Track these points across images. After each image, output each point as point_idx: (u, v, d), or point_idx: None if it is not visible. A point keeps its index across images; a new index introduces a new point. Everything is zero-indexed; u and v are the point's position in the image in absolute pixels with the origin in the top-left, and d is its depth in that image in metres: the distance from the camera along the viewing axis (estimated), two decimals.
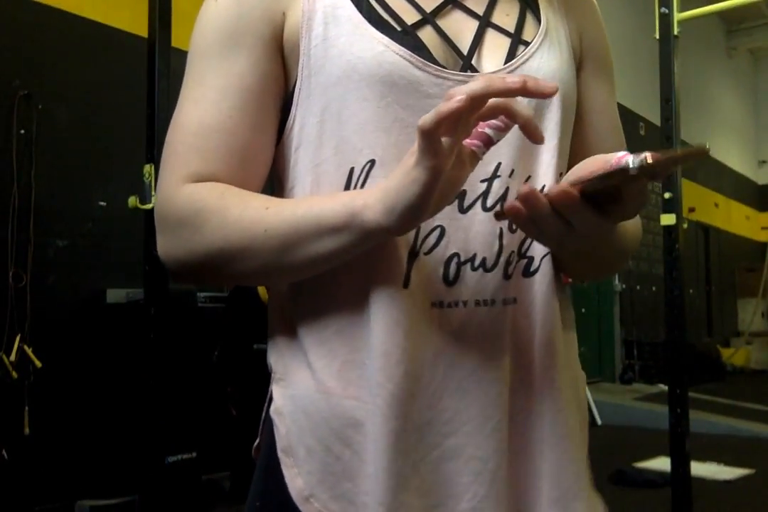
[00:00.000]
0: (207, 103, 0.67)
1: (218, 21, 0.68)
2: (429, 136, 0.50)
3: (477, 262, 0.65)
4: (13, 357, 2.79)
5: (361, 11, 0.65)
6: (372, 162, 0.64)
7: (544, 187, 0.68)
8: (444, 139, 0.51)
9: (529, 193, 0.52)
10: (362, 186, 0.64)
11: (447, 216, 0.63)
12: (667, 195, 2.31)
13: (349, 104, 0.64)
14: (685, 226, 2.39)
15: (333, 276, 0.64)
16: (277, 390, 0.68)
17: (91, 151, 3.18)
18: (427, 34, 0.66)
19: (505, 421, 0.65)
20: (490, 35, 0.69)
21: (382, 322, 0.62)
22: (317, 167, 0.66)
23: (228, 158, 0.66)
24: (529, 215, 0.54)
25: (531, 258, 0.67)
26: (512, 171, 0.66)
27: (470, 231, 0.64)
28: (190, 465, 2.94)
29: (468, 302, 0.64)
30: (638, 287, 7.97)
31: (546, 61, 0.69)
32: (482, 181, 0.65)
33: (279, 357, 0.69)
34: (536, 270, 0.67)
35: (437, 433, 0.64)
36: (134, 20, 3.22)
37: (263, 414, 0.70)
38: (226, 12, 0.68)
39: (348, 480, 0.63)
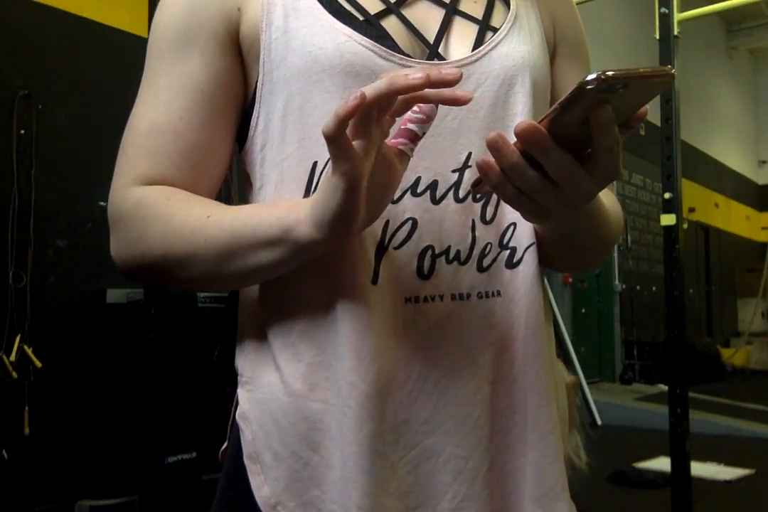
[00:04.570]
0: (158, 103, 0.66)
1: (171, 19, 0.67)
2: (334, 141, 0.49)
3: (452, 255, 0.63)
4: (13, 357, 2.79)
5: (321, 2, 0.64)
6: None
7: None
8: (356, 142, 0.50)
9: (495, 136, 0.49)
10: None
11: (419, 208, 0.62)
12: (667, 195, 2.31)
13: (311, 97, 0.63)
14: (685, 226, 2.39)
15: (298, 275, 0.62)
16: (243, 394, 0.67)
17: (91, 151, 3.18)
18: (391, 24, 0.65)
19: (486, 418, 0.63)
20: (458, 23, 0.68)
21: (350, 321, 0.60)
22: (281, 163, 0.65)
23: (177, 159, 0.65)
24: (500, 166, 0.50)
25: (513, 249, 0.65)
26: None
27: (443, 223, 0.63)
28: (190, 465, 2.94)
29: (444, 296, 0.62)
30: (638, 287, 7.97)
31: (515, 46, 0.67)
32: (453, 172, 0.64)
33: (246, 360, 0.67)
34: (519, 262, 0.65)
35: (415, 433, 0.62)
36: (134, 20, 3.22)
37: (230, 419, 0.69)
38: (180, 10, 0.66)
39: (316, 486, 0.61)
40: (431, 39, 0.66)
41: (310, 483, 0.61)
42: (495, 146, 0.49)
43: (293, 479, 0.62)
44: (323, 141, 0.60)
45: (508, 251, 0.65)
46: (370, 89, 0.48)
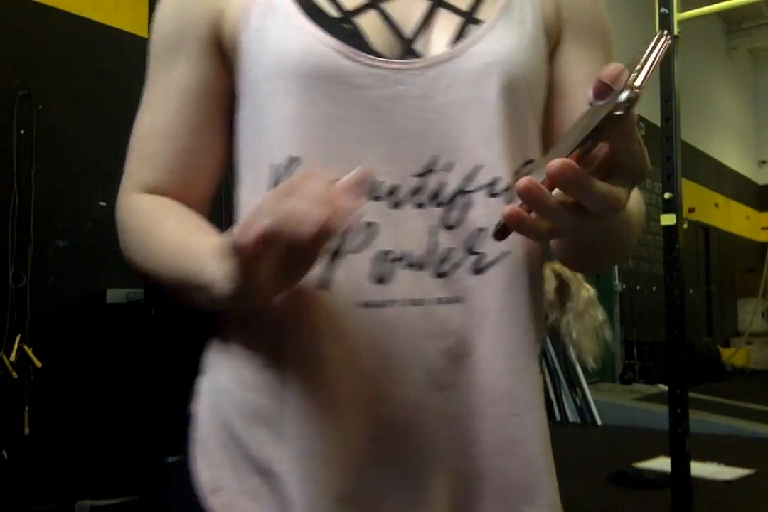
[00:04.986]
0: (153, 108, 0.68)
1: (162, 24, 0.69)
2: (239, 254, 0.48)
3: (410, 260, 0.61)
4: (13, 357, 2.78)
5: (298, 0, 0.63)
6: (294, 159, 0.61)
7: (497, 179, 0.63)
8: (263, 259, 0.49)
9: (529, 184, 0.44)
10: (281, 181, 0.62)
11: (379, 212, 0.61)
12: (667, 195, 2.31)
13: (276, 100, 0.62)
14: (685, 226, 2.39)
15: None
16: (200, 382, 0.69)
17: (91, 151, 3.18)
18: (369, 19, 0.63)
19: (435, 425, 0.61)
20: (442, 16, 0.64)
21: (299, 325, 0.60)
22: (249, 167, 0.66)
23: (169, 163, 0.67)
24: (538, 214, 0.47)
25: (481, 255, 0.63)
26: (449, 164, 0.62)
27: (403, 228, 0.61)
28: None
29: (400, 302, 0.61)
30: (638, 287, 7.97)
31: (500, 41, 0.63)
32: (416, 176, 0.62)
33: (210, 351, 0.69)
34: (487, 268, 0.63)
35: (359, 438, 0.60)
36: (134, 20, 3.22)
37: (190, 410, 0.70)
38: (172, 13, 0.68)
39: (259, 475, 0.62)
40: (412, 35, 0.64)
41: (254, 471, 0.62)
42: (532, 196, 0.45)
43: (236, 466, 0.63)
44: (283, 144, 0.62)
45: (474, 257, 0.62)
46: (253, 231, 0.46)
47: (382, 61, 0.61)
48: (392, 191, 0.61)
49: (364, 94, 0.61)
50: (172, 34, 0.67)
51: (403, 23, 0.64)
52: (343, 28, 0.62)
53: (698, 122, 9.70)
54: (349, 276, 0.60)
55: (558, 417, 5.52)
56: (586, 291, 2.63)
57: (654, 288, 8.07)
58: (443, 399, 0.62)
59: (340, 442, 0.59)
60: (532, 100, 0.66)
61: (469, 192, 0.62)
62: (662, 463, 3.29)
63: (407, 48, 0.63)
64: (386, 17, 0.63)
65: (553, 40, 0.69)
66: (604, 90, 0.45)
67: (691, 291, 9.14)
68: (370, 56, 0.61)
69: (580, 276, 2.64)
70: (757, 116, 12.98)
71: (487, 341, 0.63)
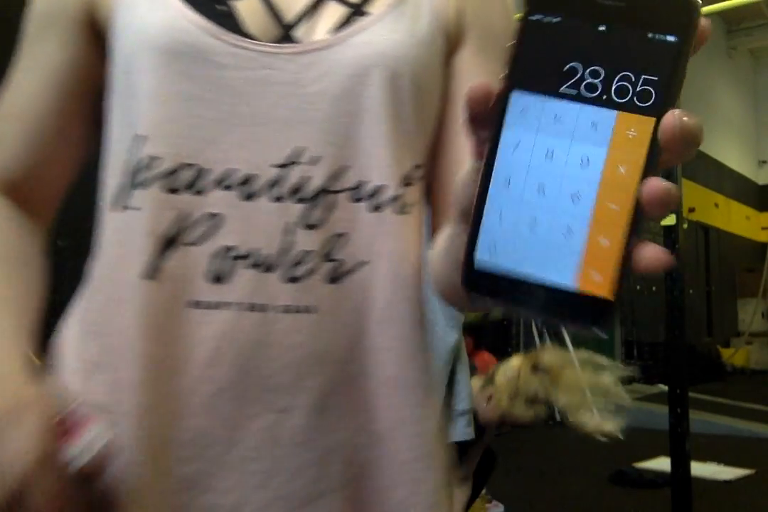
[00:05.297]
0: (14, 88, 0.64)
1: (37, 2, 0.65)
2: None
3: (256, 259, 0.55)
4: None
5: None
6: (142, 138, 0.57)
7: (365, 182, 0.58)
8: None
9: None
10: (134, 165, 0.57)
11: (225, 202, 0.55)
12: None
13: (136, 76, 0.58)
14: (685, 226, 2.39)
15: (91, 263, 0.59)
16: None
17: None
18: (249, 3, 0.59)
19: (264, 451, 0.55)
20: (330, 6, 0.60)
21: (117, 315, 0.55)
22: (110, 148, 0.61)
23: (18, 149, 0.63)
24: None
25: (340, 262, 0.57)
26: (315, 158, 0.57)
27: (252, 222, 0.55)
28: None
29: (237, 305, 0.54)
30: (638, 287, 7.97)
31: (385, 34, 0.59)
32: (276, 167, 0.56)
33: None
34: (344, 277, 0.57)
35: (173, 458, 0.54)
36: None
37: None
38: None
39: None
40: (293, 21, 0.60)
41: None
42: None
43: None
44: (135, 122, 0.58)
45: (332, 263, 0.56)
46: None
47: (251, 42, 0.57)
48: (246, 181, 0.56)
49: (226, 74, 0.57)
50: (45, 12, 0.64)
51: (286, 10, 0.60)
52: (215, 8, 0.58)
53: None
54: (181, 270, 0.55)
55: (558, 418, 5.53)
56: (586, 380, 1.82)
57: (654, 289, 8.07)
58: (278, 421, 0.55)
59: (143, 459, 0.53)
60: (420, 100, 0.61)
61: (334, 192, 0.57)
62: (662, 463, 3.29)
63: (285, 34, 0.59)
64: (267, 2, 0.60)
65: (453, 43, 0.64)
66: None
67: (691, 291, 9.14)
68: (238, 36, 0.57)
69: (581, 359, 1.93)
70: (757, 116, 12.98)
71: (339, 358, 0.57)
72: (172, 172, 0.56)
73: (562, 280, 0.31)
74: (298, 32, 0.59)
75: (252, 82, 0.57)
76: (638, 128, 0.31)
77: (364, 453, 0.57)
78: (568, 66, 0.32)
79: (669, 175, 2.32)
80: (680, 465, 2.23)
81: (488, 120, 0.33)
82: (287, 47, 0.58)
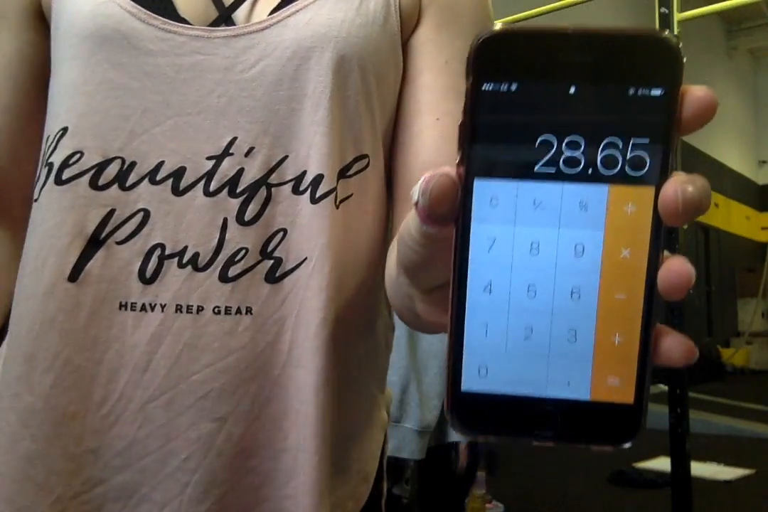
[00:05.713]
0: None
1: None
2: None
3: (187, 258, 0.52)
4: None
5: None
6: (66, 131, 0.54)
7: (304, 172, 0.54)
8: None
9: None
10: (49, 156, 0.54)
11: (155, 197, 0.52)
12: None
13: (64, 65, 0.55)
14: (685, 226, 2.39)
15: (22, 264, 0.56)
16: None
17: None
18: None
19: (201, 461, 0.51)
20: None
21: (32, 320, 0.52)
22: (43, 141, 0.58)
23: None
24: None
25: (278, 260, 0.53)
26: (250, 149, 0.53)
27: (183, 218, 0.52)
28: None
29: (167, 306, 0.51)
30: None
31: (325, 13, 0.54)
32: (209, 159, 0.53)
33: None
34: (284, 276, 0.53)
35: (104, 466, 0.51)
36: None
37: None
38: None
39: None
40: (233, 3, 0.56)
41: None
42: None
43: None
44: (58, 112, 0.55)
45: (271, 261, 0.53)
46: None
47: (181, 26, 0.54)
48: (177, 174, 0.53)
49: (154, 61, 0.53)
50: None
51: None
52: None
53: None
54: (110, 271, 0.52)
55: None
56: None
57: None
58: (217, 430, 0.52)
59: (65, 469, 0.51)
60: (369, 84, 0.56)
61: (271, 185, 0.54)
62: (662, 463, 3.29)
63: (225, 17, 0.55)
64: None
65: (409, 20, 0.59)
66: None
67: (691, 291, 9.10)
68: (168, 20, 0.54)
69: None
70: (757, 116, 12.98)
71: (282, 362, 0.53)
72: (98, 167, 0.53)
73: (574, 395, 0.27)
74: (239, 15, 0.56)
75: (183, 69, 0.54)
76: (636, 201, 0.26)
77: (305, 458, 0.53)
78: (539, 140, 0.26)
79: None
80: (680, 465, 2.22)
81: (450, 217, 0.27)
82: (220, 31, 0.54)
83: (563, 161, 0.26)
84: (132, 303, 0.52)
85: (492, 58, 0.26)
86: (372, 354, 0.59)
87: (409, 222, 0.29)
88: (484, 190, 0.26)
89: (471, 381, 0.27)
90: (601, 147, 0.26)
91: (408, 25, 0.59)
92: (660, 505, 2.79)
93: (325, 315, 0.54)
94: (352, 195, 0.57)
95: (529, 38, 0.26)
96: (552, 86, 0.26)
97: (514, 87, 0.26)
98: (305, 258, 0.54)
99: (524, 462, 3.87)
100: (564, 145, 0.26)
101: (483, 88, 0.26)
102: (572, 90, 0.26)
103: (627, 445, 0.27)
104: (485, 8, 0.62)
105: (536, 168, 0.26)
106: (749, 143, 12.69)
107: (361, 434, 0.58)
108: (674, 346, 0.27)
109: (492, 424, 0.27)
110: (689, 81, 0.27)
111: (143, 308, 0.52)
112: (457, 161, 0.27)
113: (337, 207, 0.55)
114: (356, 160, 0.57)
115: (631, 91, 0.26)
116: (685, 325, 2.35)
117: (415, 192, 0.27)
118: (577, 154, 0.26)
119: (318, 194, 0.54)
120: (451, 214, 0.27)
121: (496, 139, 0.26)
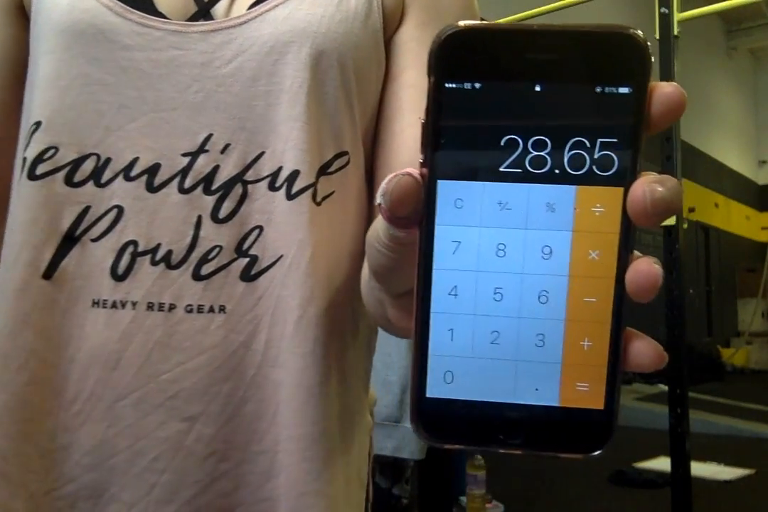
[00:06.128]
0: None
1: None
2: None
3: (160, 255, 0.52)
4: None
5: None
6: (40, 126, 0.53)
7: (280, 168, 0.53)
8: None
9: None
10: (32, 156, 0.54)
11: (129, 194, 0.52)
12: None
13: (41, 59, 0.55)
14: (685, 226, 2.39)
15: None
16: None
17: None
18: None
19: (169, 461, 0.51)
20: None
21: (6, 317, 0.52)
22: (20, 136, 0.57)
23: None
24: None
25: (254, 258, 0.53)
26: (227, 145, 0.53)
27: (157, 215, 0.52)
28: None
29: (138, 303, 0.51)
30: None
31: (307, 8, 0.54)
32: (184, 155, 0.53)
33: None
34: (260, 275, 0.52)
35: (75, 464, 0.51)
36: None
37: None
38: None
39: None
40: None
41: None
42: None
43: None
44: (33, 107, 0.54)
45: (246, 259, 0.52)
46: None
47: (158, 20, 0.54)
48: (152, 171, 0.52)
49: (130, 56, 0.53)
50: None
51: None
52: None
53: (698, 122, 9.70)
54: (83, 268, 0.52)
55: None
56: None
57: None
58: (187, 431, 0.51)
59: (38, 466, 0.51)
60: (349, 81, 0.56)
61: (247, 182, 0.53)
62: (662, 463, 3.29)
63: (204, 12, 0.55)
64: None
65: (392, 17, 0.58)
66: None
67: (691, 291, 9.14)
68: (145, 14, 0.53)
69: None
70: (757, 116, 12.98)
71: (256, 362, 0.52)
72: (74, 163, 0.53)
73: (543, 401, 0.26)
74: (218, 10, 0.55)
75: (159, 64, 0.53)
76: (604, 202, 0.26)
77: (284, 460, 0.52)
78: (504, 140, 0.25)
79: (669, 175, 2.32)
80: (680, 465, 2.22)
81: (415, 219, 0.26)
82: (198, 25, 0.54)
83: (529, 161, 0.26)
84: (104, 301, 0.52)
85: (454, 56, 0.26)
86: (355, 355, 0.59)
87: (377, 225, 0.28)
88: (448, 191, 0.26)
89: (436, 388, 0.26)
90: (567, 147, 0.25)
91: (391, 23, 0.58)
92: (660, 505, 2.79)
93: (303, 314, 0.53)
94: (333, 192, 0.56)
95: (493, 35, 0.26)
96: (517, 85, 0.25)
97: (477, 85, 0.26)
98: (281, 256, 0.53)
99: (524, 462, 3.87)
100: (530, 145, 0.26)
101: (446, 87, 0.26)
102: (537, 88, 0.25)
103: (597, 453, 0.27)
104: (470, 7, 0.61)
105: (502, 168, 0.26)
106: (749, 143, 12.68)
107: (346, 435, 0.57)
108: (644, 351, 0.26)
109: (458, 432, 0.27)
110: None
111: (114, 305, 0.51)
112: (420, 161, 0.26)
113: (319, 204, 0.55)
114: (337, 156, 0.56)
115: (598, 90, 0.25)
116: (685, 325, 2.35)
117: (379, 193, 0.26)
118: (544, 153, 0.25)
119: (294, 190, 0.54)
120: (415, 215, 0.26)
121: (460, 139, 0.26)
